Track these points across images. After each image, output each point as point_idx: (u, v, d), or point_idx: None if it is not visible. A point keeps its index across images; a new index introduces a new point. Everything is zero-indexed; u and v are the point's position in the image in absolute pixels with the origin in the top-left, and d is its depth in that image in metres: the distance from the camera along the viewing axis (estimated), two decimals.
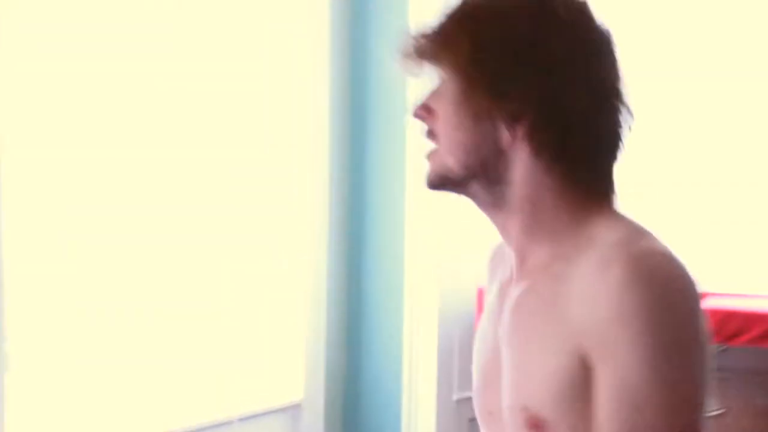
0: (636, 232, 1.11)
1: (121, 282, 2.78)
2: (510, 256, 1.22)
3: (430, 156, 1.18)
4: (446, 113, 1.15)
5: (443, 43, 1.12)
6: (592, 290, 1.06)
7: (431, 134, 1.18)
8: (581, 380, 1.08)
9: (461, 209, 3.28)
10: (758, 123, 3.55)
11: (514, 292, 1.19)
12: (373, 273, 3.49)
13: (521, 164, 1.14)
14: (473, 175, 1.17)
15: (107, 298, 2.75)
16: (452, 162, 1.15)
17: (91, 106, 2.63)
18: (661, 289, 1.04)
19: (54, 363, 2.64)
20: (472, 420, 3.51)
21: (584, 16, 1.14)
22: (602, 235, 1.10)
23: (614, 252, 1.06)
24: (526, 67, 1.10)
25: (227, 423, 3.01)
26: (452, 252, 3.43)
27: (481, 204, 1.22)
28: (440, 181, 1.20)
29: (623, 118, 1.14)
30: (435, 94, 1.16)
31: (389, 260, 3.43)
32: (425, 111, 1.18)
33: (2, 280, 2.32)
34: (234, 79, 3.04)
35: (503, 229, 1.22)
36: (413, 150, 3.26)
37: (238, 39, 3.03)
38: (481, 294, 3.26)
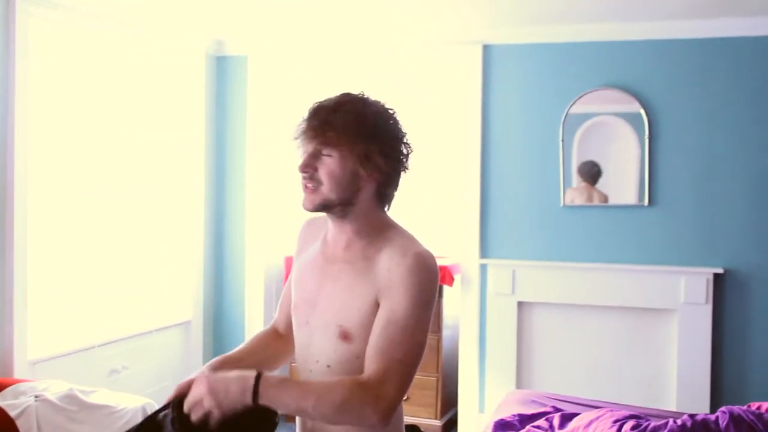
0: (411, 238, 1.62)
1: (91, 246, 3.98)
2: (336, 241, 1.66)
3: (314, 192, 1.60)
4: (331, 169, 1.58)
5: (342, 138, 1.57)
6: (393, 266, 1.55)
7: (313, 180, 1.60)
8: (374, 312, 1.57)
9: (275, 216, 5.05)
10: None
11: (341, 262, 1.63)
12: (228, 245, 4.94)
13: (364, 198, 1.63)
14: (341, 203, 1.61)
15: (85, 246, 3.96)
16: (333, 196, 1.59)
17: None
18: (427, 274, 1.55)
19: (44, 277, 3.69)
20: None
21: (397, 121, 1.64)
22: (395, 239, 1.61)
23: (407, 249, 1.56)
24: (379, 153, 1.59)
25: (148, 332, 4.35)
26: (270, 237, 4.90)
27: (334, 216, 1.64)
28: (321, 207, 1.61)
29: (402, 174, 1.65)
30: (316, 158, 1.59)
31: (237, 239, 4.92)
32: (311, 168, 1.59)
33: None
34: (153, 140, 4.44)
35: (341, 230, 1.65)
36: (251, 175, 4.83)
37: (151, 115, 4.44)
38: (287, 261, 4.77)
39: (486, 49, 4.51)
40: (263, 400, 1.48)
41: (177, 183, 4.73)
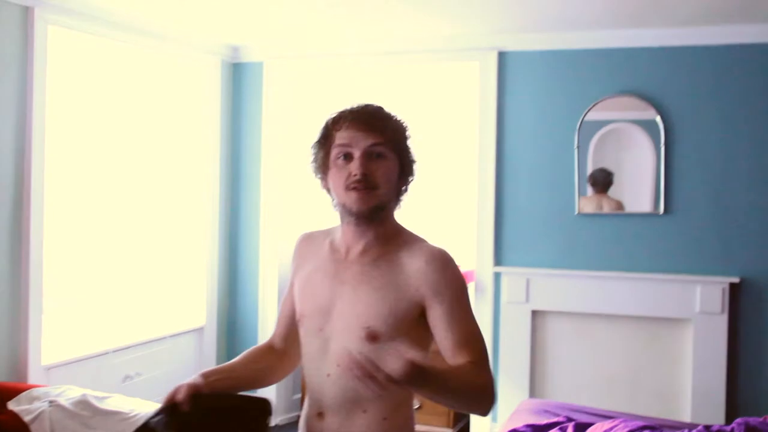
0: (423, 239, 1.70)
1: (102, 259, 4.06)
2: (351, 245, 1.69)
3: (374, 194, 1.63)
4: (388, 171, 1.65)
5: (396, 142, 1.66)
6: (423, 265, 1.60)
7: (371, 181, 1.63)
8: (413, 312, 1.61)
9: (290, 221, 5.06)
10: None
11: (359, 265, 1.66)
12: (243, 251, 4.97)
13: (392, 203, 1.70)
14: (386, 206, 1.67)
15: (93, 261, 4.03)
16: (386, 198, 1.65)
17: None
18: (455, 265, 1.63)
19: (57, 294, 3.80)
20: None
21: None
22: (409, 241, 1.67)
23: (426, 248, 1.64)
24: (408, 163, 1.69)
25: (161, 338, 4.37)
26: (285, 243, 4.89)
27: (369, 219, 1.66)
28: (376, 209, 1.64)
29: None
30: (376, 162, 1.63)
31: (252, 245, 4.96)
32: (371, 171, 1.63)
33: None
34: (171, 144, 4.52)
35: (362, 234, 1.68)
36: (266, 181, 4.86)
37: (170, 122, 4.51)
38: None
39: (501, 55, 4.51)
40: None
41: (192, 189, 4.77)
